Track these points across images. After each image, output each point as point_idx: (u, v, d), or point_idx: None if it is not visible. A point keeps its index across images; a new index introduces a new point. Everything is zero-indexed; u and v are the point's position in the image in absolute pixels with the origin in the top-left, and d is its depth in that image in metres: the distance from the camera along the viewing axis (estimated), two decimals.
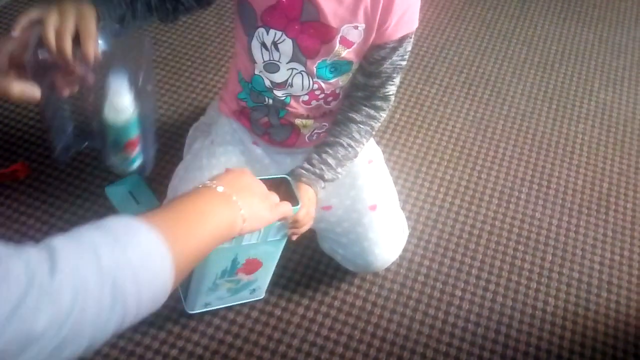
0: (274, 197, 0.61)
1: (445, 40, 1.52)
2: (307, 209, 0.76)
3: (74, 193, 1.07)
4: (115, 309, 0.37)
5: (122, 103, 0.64)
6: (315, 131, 0.87)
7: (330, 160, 0.81)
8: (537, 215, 1.14)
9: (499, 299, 0.99)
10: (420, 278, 1.01)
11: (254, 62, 0.78)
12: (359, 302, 0.96)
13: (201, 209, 0.50)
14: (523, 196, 1.17)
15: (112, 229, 0.40)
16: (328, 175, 0.81)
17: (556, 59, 1.51)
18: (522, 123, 1.33)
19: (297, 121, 0.86)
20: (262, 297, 0.90)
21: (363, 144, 0.84)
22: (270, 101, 0.83)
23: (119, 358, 0.86)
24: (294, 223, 0.74)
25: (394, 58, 0.77)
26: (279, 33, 0.73)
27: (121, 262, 0.38)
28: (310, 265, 1.00)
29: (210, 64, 1.33)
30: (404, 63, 0.79)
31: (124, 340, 0.87)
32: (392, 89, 0.81)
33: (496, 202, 1.16)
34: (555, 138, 1.31)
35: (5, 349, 0.32)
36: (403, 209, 1.10)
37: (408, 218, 1.09)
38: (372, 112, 0.82)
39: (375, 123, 0.84)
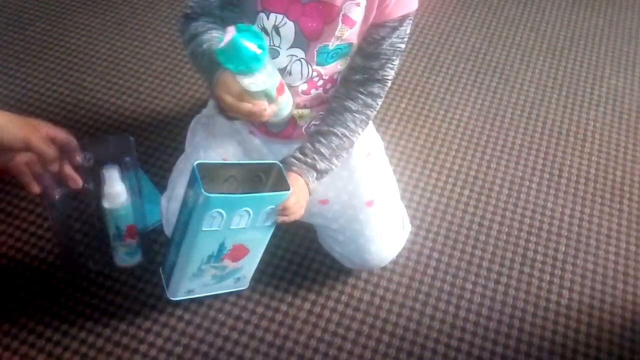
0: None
1: (450, 28, 1.46)
2: (296, 197, 0.73)
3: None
4: None
5: (115, 190, 0.77)
6: (313, 122, 0.85)
7: (324, 150, 0.78)
8: (549, 205, 1.09)
9: (512, 292, 0.95)
10: (430, 271, 0.97)
11: None
12: (367, 297, 0.92)
13: None
14: (534, 186, 1.12)
15: None
16: (321, 165, 0.78)
17: (565, 44, 1.46)
18: (532, 111, 1.28)
19: (295, 111, 0.82)
20: (246, 287, 0.88)
21: (359, 134, 0.81)
22: None
23: (104, 347, 0.83)
24: (283, 210, 0.72)
25: (393, 39, 0.75)
26: (279, 16, 0.71)
27: None
28: (317, 259, 0.96)
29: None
30: (402, 46, 0.77)
31: (110, 330, 0.84)
32: (390, 73, 0.79)
33: (506, 192, 1.11)
34: (566, 126, 1.25)
35: None
36: (410, 200, 1.06)
37: (416, 209, 1.05)
38: (368, 100, 0.79)
39: (371, 112, 0.81)
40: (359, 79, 0.78)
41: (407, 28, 0.76)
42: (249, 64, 0.56)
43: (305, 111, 0.83)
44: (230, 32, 0.55)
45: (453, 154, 1.17)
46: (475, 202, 1.08)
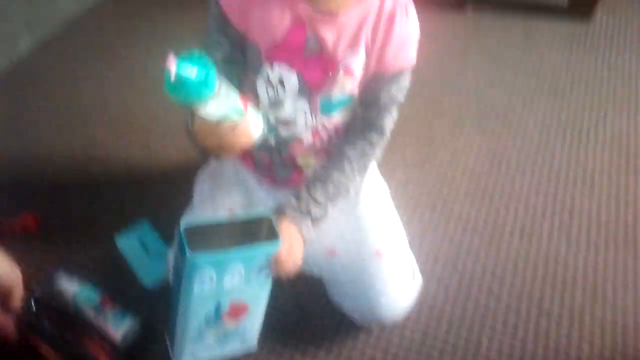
0: None
1: (452, 74, 1.46)
2: (289, 247, 0.70)
3: (84, 244, 1.02)
4: None
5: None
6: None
7: (319, 196, 0.75)
8: (562, 252, 1.05)
9: (530, 346, 0.89)
10: (444, 325, 0.91)
11: (258, 100, 0.76)
12: (379, 355, 0.87)
13: None
14: (545, 232, 1.08)
15: None
16: (316, 211, 0.75)
17: (566, 88, 1.44)
18: (537, 155, 1.25)
19: (299, 159, 0.83)
20: (253, 348, 0.82)
21: (356, 181, 0.80)
22: (273, 139, 0.81)
23: None
24: (276, 262, 0.69)
25: (392, 90, 0.75)
26: (284, 69, 0.72)
27: None
28: (326, 313, 0.91)
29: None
30: (401, 97, 0.77)
31: None
32: (388, 123, 0.78)
33: (517, 239, 1.06)
34: (572, 169, 1.22)
35: None
36: (419, 249, 1.02)
37: (425, 259, 1.01)
38: (366, 147, 0.78)
39: (369, 160, 0.80)
40: (357, 127, 0.78)
41: (405, 80, 0.76)
42: (197, 92, 0.51)
43: (310, 159, 0.83)
44: (172, 64, 0.50)
45: (461, 200, 1.13)
46: (486, 251, 1.04)
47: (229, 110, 0.57)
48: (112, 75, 1.37)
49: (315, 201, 0.75)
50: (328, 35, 0.70)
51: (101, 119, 1.26)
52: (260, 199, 0.87)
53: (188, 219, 0.83)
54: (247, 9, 0.70)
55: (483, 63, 1.51)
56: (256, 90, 0.75)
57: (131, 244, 1.01)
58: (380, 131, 0.78)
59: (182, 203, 1.04)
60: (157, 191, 1.11)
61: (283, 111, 0.76)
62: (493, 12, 1.71)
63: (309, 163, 0.83)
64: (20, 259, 0.96)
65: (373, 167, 0.90)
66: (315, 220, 0.76)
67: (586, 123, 1.34)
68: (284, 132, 0.79)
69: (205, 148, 0.62)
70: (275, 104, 0.76)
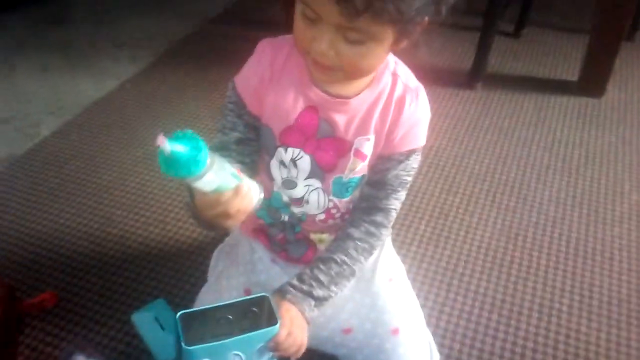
0: None
1: (464, 150, 1.59)
2: (288, 329, 0.72)
3: (100, 321, 1.09)
4: None
5: None
6: None
7: (322, 277, 0.78)
8: (583, 329, 1.09)
9: None
10: None
11: (272, 180, 0.83)
12: None
13: None
14: (565, 308, 1.13)
15: None
16: (318, 292, 0.77)
17: (580, 163, 1.55)
18: (554, 230, 1.33)
19: (313, 236, 0.88)
20: None
21: (360, 262, 0.81)
22: (287, 217, 0.86)
23: None
24: (276, 345, 0.71)
25: (399, 171, 0.79)
26: (296, 151, 0.78)
27: None
28: None
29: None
30: (409, 179, 0.80)
31: None
32: (394, 203, 0.81)
33: (537, 315, 1.12)
34: (591, 244, 1.29)
35: None
36: (437, 326, 1.09)
37: (443, 337, 1.07)
38: (371, 228, 0.81)
39: (375, 241, 0.82)
40: (363, 207, 0.82)
41: (414, 162, 0.79)
42: (189, 167, 0.55)
43: (324, 236, 0.88)
44: (163, 142, 0.54)
45: (477, 276, 1.19)
46: (505, 327, 1.09)
47: (223, 181, 0.60)
48: (130, 155, 1.50)
49: (318, 282, 0.77)
50: (340, 118, 0.75)
51: (119, 198, 1.37)
52: (276, 277, 0.91)
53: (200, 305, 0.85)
54: (262, 93, 0.76)
55: (495, 139, 1.62)
56: (270, 170, 0.81)
57: (147, 322, 1.08)
58: (386, 212, 0.81)
59: (199, 280, 1.13)
60: (173, 268, 1.19)
61: (296, 191, 0.81)
62: (503, 89, 1.86)
63: (323, 240, 0.89)
64: (37, 336, 1.07)
65: (387, 243, 0.95)
66: (318, 302, 0.77)
67: (602, 198, 1.43)
68: (296, 211, 0.84)
69: (205, 220, 0.65)
70: (288, 184, 0.81)
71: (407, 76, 0.77)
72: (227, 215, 0.61)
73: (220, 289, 0.91)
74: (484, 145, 1.61)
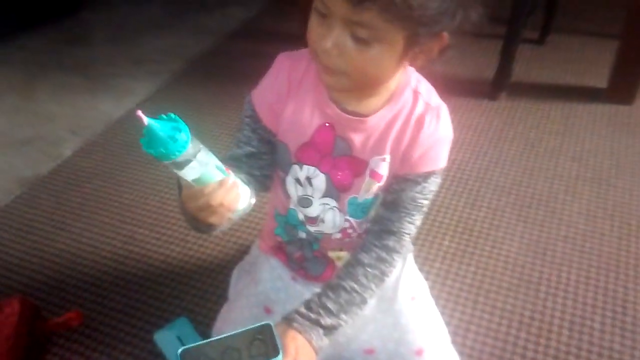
0: None
1: (488, 162, 1.59)
2: (292, 359, 0.70)
3: (124, 340, 1.12)
4: None
5: None
6: None
7: (331, 305, 0.77)
8: (616, 346, 1.08)
9: None
10: None
11: (288, 197, 0.84)
12: None
13: None
14: (597, 325, 1.13)
15: None
16: (327, 321, 0.76)
17: (611, 173, 1.54)
18: (584, 244, 1.32)
19: (331, 253, 0.89)
20: None
21: (371, 290, 0.79)
22: (304, 234, 0.87)
23: None
24: None
25: (415, 194, 0.77)
26: (312, 169, 0.79)
27: None
28: None
29: (255, 203, 1.47)
30: (425, 202, 0.78)
31: None
32: (408, 227, 0.79)
33: (567, 333, 1.11)
34: (623, 258, 1.28)
35: None
36: (463, 345, 1.09)
37: (469, 356, 1.06)
38: (382, 253, 0.79)
39: (386, 267, 0.80)
40: (375, 230, 0.80)
41: (432, 185, 0.77)
42: (166, 145, 0.56)
43: (343, 253, 0.88)
44: (142, 118, 0.55)
45: (504, 292, 1.19)
46: (534, 346, 1.09)
47: (207, 172, 0.60)
48: (150, 174, 1.55)
49: (326, 311, 0.76)
50: (356, 137, 0.75)
51: (140, 217, 1.41)
52: (296, 295, 0.91)
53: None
54: (279, 108, 0.76)
55: (521, 150, 1.62)
56: (285, 187, 0.82)
57: (169, 341, 1.11)
58: (399, 237, 0.79)
59: (220, 298, 1.16)
60: (195, 287, 1.22)
61: (311, 209, 0.82)
62: (528, 98, 1.86)
63: (341, 257, 0.88)
64: (64, 355, 1.11)
65: (409, 259, 0.96)
66: (327, 331, 0.76)
67: (635, 209, 1.41)
68: (312, 229, 0.85)
69: (190, 215, 0.65)
70: (304, 201, 0.82)
71: (429, 94, 0.76)
72: (209, 208, 0.61)
73: (240, 308, 0.93)
74: (509, 157, 1.61)
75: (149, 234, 1.38)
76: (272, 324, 0.71)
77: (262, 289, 0.94)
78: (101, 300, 1.22)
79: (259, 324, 0.72)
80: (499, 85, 1.87)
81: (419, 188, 0.77)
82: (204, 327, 1.13)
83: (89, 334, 1.14)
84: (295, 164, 0.79)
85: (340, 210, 0.83)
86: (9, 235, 1.39)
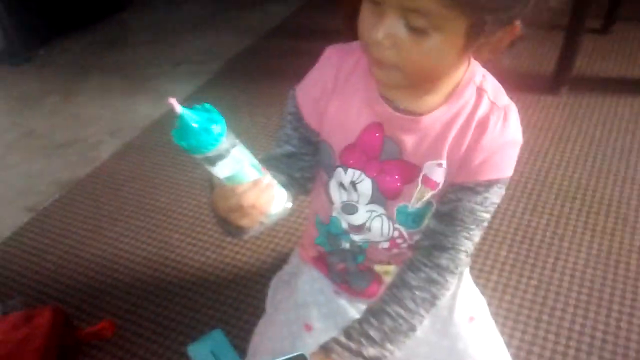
0: None
1: (549, 164, 1.47)
2: None
3: (157, 352, 1.10)
4: None
5: None
6: None
7: (373, 333, 0.70)
8: None
9: None
10: None
11: (331, 202, 0.79)
12: None
13: None
14: None
15: None
16: (370, 351, 0.70)
17: None
18: None
19: (377, 267, 0.83)
20: None
21: (420, 315, 0.72)
22: (347, 245, 0.81)
23: None
24: None
25: (474, 205, 0.69)
26: (357, 172, 0.73)
27: None
28: None
29: (292, 208, 1.41)
30: (486, 215, 0.69)
31: None
32: (465, 244, 0.71)
33: None
34: None
35: None
36: None
37: None
38: (433, 274, 0.71)
39: (438, 290, 0.72)
40: (425, 246, 0.73)
41: (494, 196, 0.69)
42: (199, 137, 0.53)
43: (391, 267, 0.82)
44: (175, 106, 0.51)
45: (572, 310, 1.09)
46: None
47: (241, 170, 0.57)
48: (187, 177, 1.52)
49: (369, 340, 0.70)
50: (408, 138, 0.69)
51: (176, 222, 1.39)
52: (340, 311, 0.86)
53: None
54: (323, 106, 0.72)
55: (585, 150, 1.50)
56: (329, 192, 0.77)
57: (203, 355, 1.07)
58: (453, 254, 0.71)
59: (257, 309, 1.10)
60: (231, 297, 1.18)
61: (356, 217, 0.76)
62: (592, 92, 1.72)
63: (389, 272, 0.83)
64: None
65: (466, 274, 0.88)
66: None
67: None
68: (357, 238, 0.80)
69: (220, 216, 0.62)
70: (348, 208, 0.77)
71: (495, 92, 0.68)
72: (241, 209, 0.58)
73: (279, 324, 0.87)
74: (573, 157, 1.49)
75: (184, 239, 1.35)
76: (307, 355, 0.66)
77: (302, 303, 0.88)
78: (134, 309, 1.19)
79: (293, 354, 0.67)
80: (560, 79, 1.74)
81: (479, 199, 0.69)
82: (239, 341, 1.09)
83: (121, 345, 1.12)
84: (339, 166, 0.75)
85: (389, 218, 0.76)
86: (45, 239, 1.39)
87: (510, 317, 1.09)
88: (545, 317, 1.09)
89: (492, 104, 0.67)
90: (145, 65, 2.16)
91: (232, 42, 2.27)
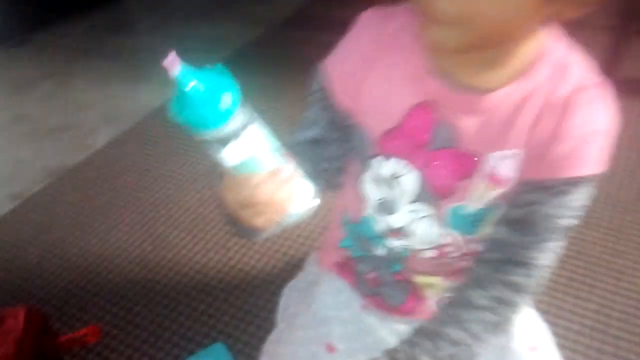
0: None
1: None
2: None
3: None
4: None
5: None
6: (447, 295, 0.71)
7: (425, 359, 0.64)
8: None
9: None
10: None
11: (364, 199, 0.70)
12: None
13: None
14: None
15: None
16: None
17: None
18: None
19: (419, 278, 0.73)
20: None
21: (484, 342, 0.65)
22: (382, 250, 0.72)
23: None
24: None
25: (554, 209, 0.60)
26: (400, 163, 0.65)
27: None
28: None
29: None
30: (568, 220, 0.60)
31: None
32: (541, 257, 0.62)
33: None
34: None
35: None
36: None
37: None
38: (505, 293, 0.64)
39: (509, 312, 0.65)
40: (493, 259, 0.65)
41: (579, 197, 0.60)
42: (203, 110, 0.43)
43: (435, 279, 0.73)
44: (173, 62, 0.43)
45: (638, 339, 0.97)
46: None
47: (257, 156, 0.49)
48: (189, 169, 1.44)
49: None
50: (467, 122, 0.60)
51: (176, 217, 1.30)
52: (369, 330, 0.78)
53: None
54: (359, 82, 0.65)
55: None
56: (362, 186, 0.70)
57: None
58: (529, 270, 0.63)
59: (265, 321, 1.03)
60: (235, 305, 1.10)
61: (395, 218, 0.68)
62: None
63: (433, 285, 0.74)
64: None
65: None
66: None
67: None
68: (395, 244, 0.71)
69: (228, 212, 0.55)
70: (386, 207, 0.69)
71: (583, 68, 0.59)
72: (255, 206, 0.51)
73: (295, 343, 0.78)
74: (629, 166, 1.37)
75: (184, 237, 1.27)
76: None
77: (323, 319, 0.79)
78: (124, 314, 1.11)
79: None
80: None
81: (559, 201, 0.60)
82: (243, 358, 1.02)
83: (106, 356, 1.03)
84: (377, 156, 0.66)
85: (437, 221, 0.67)
86: (29, 230, 1.32)
87: (567, 347, 0.97)
88: (609, 349, 0.97)
89: (580, 81, 0.57)
90: (148, 53, 2.09)
91: (241, 31, 2.20)
